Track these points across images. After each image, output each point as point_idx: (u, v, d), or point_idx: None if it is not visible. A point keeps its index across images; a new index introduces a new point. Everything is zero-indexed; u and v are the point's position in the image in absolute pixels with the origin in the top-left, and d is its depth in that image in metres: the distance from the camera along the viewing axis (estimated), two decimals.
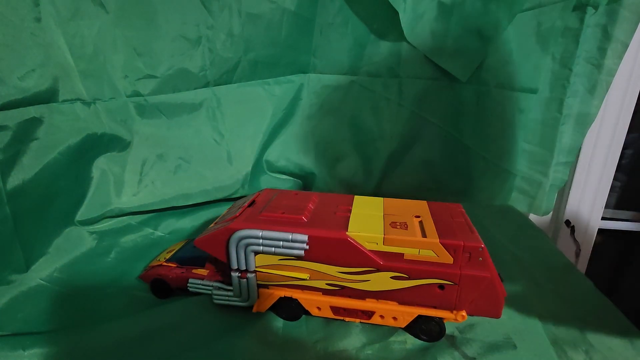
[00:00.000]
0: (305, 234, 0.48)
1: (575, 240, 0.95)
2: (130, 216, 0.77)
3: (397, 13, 0.76)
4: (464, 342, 0.50)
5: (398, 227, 0.49)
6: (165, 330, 0.52)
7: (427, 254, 0.47)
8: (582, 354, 0.49)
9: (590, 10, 0.73)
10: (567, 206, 0.95)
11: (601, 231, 1.00)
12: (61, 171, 0.65)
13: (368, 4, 0.79)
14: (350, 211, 0.54)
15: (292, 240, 0.48)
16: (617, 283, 1.15)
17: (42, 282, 0.62)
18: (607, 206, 0.97)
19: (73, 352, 0.49)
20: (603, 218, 0.99)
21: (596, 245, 1.00)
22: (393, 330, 0.52)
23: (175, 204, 0.80)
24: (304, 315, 0.55)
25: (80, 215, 0.71)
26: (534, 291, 0.62)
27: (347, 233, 0.48)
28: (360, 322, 0.52)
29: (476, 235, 0.48)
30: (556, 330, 0.53)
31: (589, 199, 0.94)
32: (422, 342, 0.51)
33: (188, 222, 0.82)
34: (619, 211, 1.10)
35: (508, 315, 0.51)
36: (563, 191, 0.95)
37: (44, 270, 0.63)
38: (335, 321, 0.53)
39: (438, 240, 0.46)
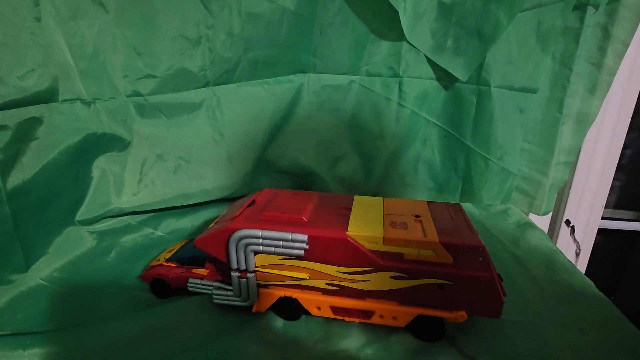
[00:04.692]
0: (305, 233, 0.48)
1: (575, 240, 0.95)
2: (130, 216, 0.77)
3: (397, 13, 0.75)
4: (464, 342, 0.50)
5: (398, 226, 0.49)
6: (165, 330, 0.52)
7: (427, 254, 0.46)
8: (582, 353, 0.49)
9: (590, 9, 0.74)
10: (567, 206, 0.95)
11: (601, 231, 1.00)
12: (61, 171, 0.65)
13: (368, 3, 0.79)
14: (350, 211, 0.54)
15: (292, 240, 0.48)
16: (617, 283, 1.15)
17: (42, 281, 0.62)
18: (607, 206, 0.97)
19: (73, 352, 0.49)
20: (603, 218, 0.99)
21: (596, 245, 1.00)
22: (393, 330, 0.52)
23: (175, 204, 0.80)
24: (304, 315, 0.55)
25: (80, 215, 0.71)
26: (534, 291, 0.62)
27: (347, 233, 0.48)
28: (360, 321, 0.52)
29: (476, 235, 0.48)
30: (556, 330, 0.53)
31: (589, 199, 0.94)
32: (422, 342, 0.51)
33: (188, 222, 0.82)
34: (619, 211, 1.10)
35: (508, 315, 0.51)
36: (563, 191, 0.95)
37: (44, 270, 0.63)
38: (335, 321, 0.53)
39: (438, 240, 0.46)
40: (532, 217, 0.90)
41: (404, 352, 0.50)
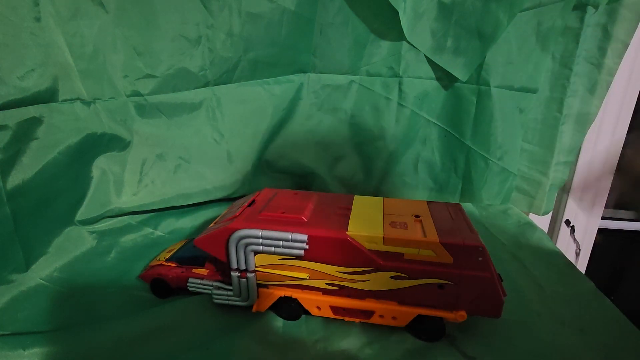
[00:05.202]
0: (305, 233, 0.48)
1: (575, 240, 0.95)
2: (130, 216, 0.77)
3: (397, 13, 0.75)
4: (464, 342, 0.50)
5: (398, 226, 0.49)
6: (165, 329, 0.52)
7: (427, 254, 0.46)
8: (582, 353, 0.49)
9: (590, 9, 0.74)
10: (567, 206, 0.95)
11: (601, 231, 1.00)
12: (61, 171, 0.65)
13: (368, 3, 0.79)
14: (350, 211, 0.54)
15: (292, 240, 0.48)
16: (617, 283, 1.15)
17: (42, 281, 0.62)
18: (607, 206, 0.97)
19: (73, 352, 0.49)
20: (603, 218, 0.99)
21: (596, 245, 1.00)
22: (393, 330, 0.52)
23: (175, 204, 0.80)
24: (304, 315, 0.55)
25: (80, 215, 0.71)
26: (534, 291, 0.62)
27: (347, 233, 0.48)
28: (359, 321, 0.52)
29: (476, 235, 0.48)
30: (556, 330, 0.53)
31: (589, 199, 0.94)
32: (422, 342, 0.51)
33: (188, 222, 0.82)
34: (619, 211, 1.10)
35: (508, 315, 0.51)
36: (563, 191, 0.95)
37: (44, 270, 0.63)
38: (335, 321, 0.53)
39: (438, 239, 0.46)
40: (532, 217, 0.90)
41: (404, 352, 0.49)
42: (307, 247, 0.48)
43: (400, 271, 0.48)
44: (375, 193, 0.91)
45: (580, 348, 0.50)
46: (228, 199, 0.84)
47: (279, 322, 0.55)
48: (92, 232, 0.72)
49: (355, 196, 0.59)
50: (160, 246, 0.72)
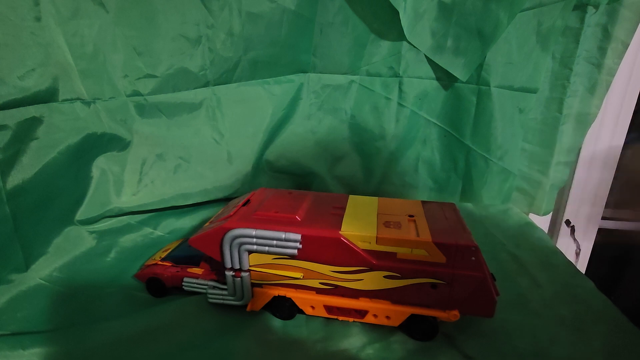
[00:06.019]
0: (298, 233, 0.48)
1: (575, 240, 0.95)
2: (130, 216, 0.78)
3: (397, 13, 0.75)
4: (464, 342, 0.50)
5: (391, 226, 0.49)
6: (165, 329, 0.52)
7: (420, 253, 0.46)
8: (582, 353, 0.49)
9: (590, 9, 0.73)
10: (567, 206, 0.95)
11: (601, 231, 1.00)
12: (61, 171, 0.66)
13: (368, 3, 0.79)
14: (344, 210, 0.54)
15: (286, 240, 0.48)
16: (617, 283, 1.14)
17: (41, 281, 0.62)
18: (607, 206, 0.96)
19: (72, 352, 0.49)
20: (603, 218, 0.98)
21: (596, 245, 1.00)
22: (393, 330, 0.52)
23: (174, 204, 0.80)
24: (304, 315, 0.55)
25: (80, 214, 0.71)
26: (534, 291, 0.62)
27: (340, 232, 0.48)
28: (354, 321, 0.52)
29: (469, 234, 0.48)
30: (555, 330, 0.53)
31: (589, 199, 0.94)
32: (422, 342, 0.51)
33: (187, 222, 0.83)
34: (619, 211, 1.09)
35: (508, 315, 0.51)
36: (563, 191, 0.95)
37: (43, 270, 0.64)
38: (336, 321, 0.53)
39: (431, 239, 0.46)
40: (532, 217, 0.90)
41: (404, 352, 0.49)
42: (300, 246, 0.48)
43: (394, 271, 0.48)
44: (375, 193, 0.91)
45: (580, 348, 0.50)
46: (228, 199, 0.84)
47: (278, 322, 0.55)
48: (92, 232, 0.72)
49: (350, 196, 0.59)
50: (160, 246, 0.72)
